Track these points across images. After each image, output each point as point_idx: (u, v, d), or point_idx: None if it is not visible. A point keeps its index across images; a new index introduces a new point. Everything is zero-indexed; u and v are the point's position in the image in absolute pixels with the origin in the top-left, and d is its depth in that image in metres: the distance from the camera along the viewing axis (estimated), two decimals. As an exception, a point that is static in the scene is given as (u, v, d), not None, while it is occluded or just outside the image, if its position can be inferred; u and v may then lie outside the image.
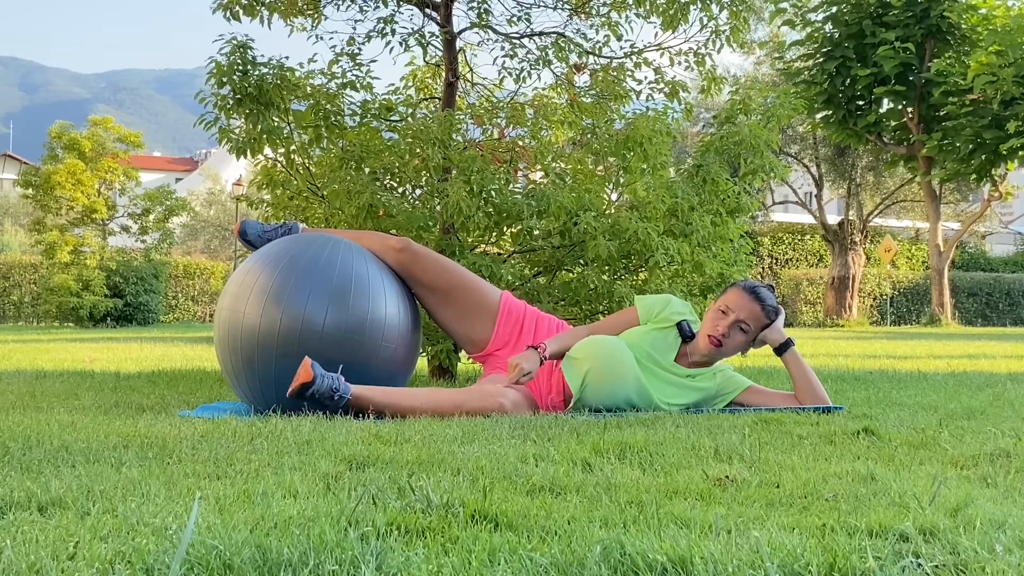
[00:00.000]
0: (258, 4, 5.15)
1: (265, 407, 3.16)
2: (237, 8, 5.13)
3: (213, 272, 24.44)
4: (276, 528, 1.45)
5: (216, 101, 4.82)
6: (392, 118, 5.12)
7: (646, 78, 5.43)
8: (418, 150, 4.63)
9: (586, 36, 5.58)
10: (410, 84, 5.81)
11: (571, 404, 3.32)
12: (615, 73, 5.31)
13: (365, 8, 5.45)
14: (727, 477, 1.94)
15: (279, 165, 5.10)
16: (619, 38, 5.47)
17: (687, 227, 4.69)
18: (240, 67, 4.78)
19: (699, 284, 4.90)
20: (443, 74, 5.41)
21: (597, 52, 5.54)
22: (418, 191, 4.99)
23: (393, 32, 5.25)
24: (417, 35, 5.30)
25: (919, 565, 1.31)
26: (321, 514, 1.53)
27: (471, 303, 3.57)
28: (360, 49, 5.25)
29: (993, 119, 18.35)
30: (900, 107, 20.61)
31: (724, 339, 3.38)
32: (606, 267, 4.74)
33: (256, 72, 4.80)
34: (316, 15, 5.43)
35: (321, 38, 5.44)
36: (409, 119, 5.08)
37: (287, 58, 4.91)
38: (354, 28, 5.41)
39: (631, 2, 5.38)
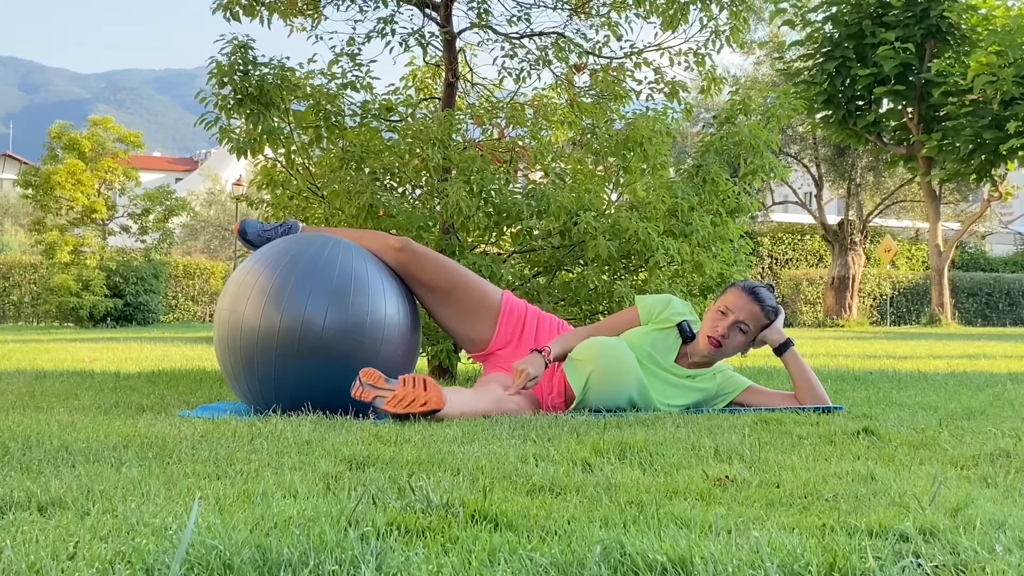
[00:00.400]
0: (258, 4, 5.15)
1: (264, 408, 3.16)
2: (237, 8, 5.13)
3: (213, 272, 24.45)
4: (276, 528, 1.45)
5: (217, 101, 4.82)
6: (392, 118, 5.12)
7: (646, 78, 5.44)
8: (418, 150, 4.63)
9: (586, 36, 5.59)
10: (410, 84, 5.81)
11: (573, 405, 3.32)
12: (615, 73, 5.31)
13: (365, 8, 5.45)
14: (727, 477, 1.94)
15: (279, 165, 5.10)
16: (619, 38, 5.47)
17: (687, 227, 4.69)
18: (241, 67, 4.79)
19: (699, 284, 4.90)
20: (443, 74, 5.41)
21: (597, 52, 5.54)
22: (418, 191, 4.99)
23: (393, 32, 5.25)
24: (417, 35, 5.30)
25: (919, 565, 1.31)
26: (321, 514, 1.53)
27: (472, 303, 3.57)
28: (360, 49, 5.26)
29: (993, 119, 18.35)
30: (900, 107, 20.61)
31: (724, 340, 3.38)
32: (606, 267, 4.74)
33: (257, 72, 4.81)
34: (316, 15, 5.43)
35: (321, 38, 5.45)
36: (409, 119, 5.08)
37: (287, 58, 4.92)
38: (354, 28, 5.42)
39: (631, 2, 5.38)
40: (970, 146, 19.10)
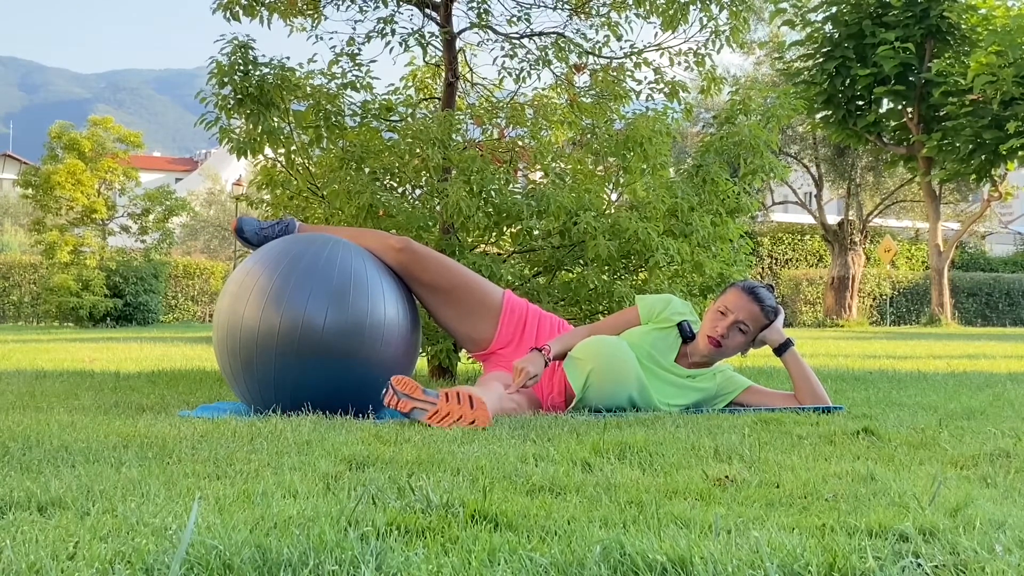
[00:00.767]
0: (258, 4, 5.15)
1: (264, 408, 3.16)
2: (237, 8, 5.13)
3: (213, 272, 24.45)
4: (276, 528, 1.45)
5: (217, 101, 4.82)
6: (392, 118, 5.12)
7: (646, 78, 5.44)
8: (418, 150, 4.63)
9: (586, 36, 5.58)
10: (410, 84, 5.81)
11: (572, 404, 3.32)
12: (615, 73, 5.31)
13: (365, 8, 5.45)
14: (727, 477, 1.94)
15: (279, 165, 5.10)
16: (619, 38, 5.47)
17: (687, 227, 4.69)
18: (241, 67, 4.79)
19: (699, 284, 4.90)
20: (443, 74, 5.41)
21: (597, 52, 5.54)
22: (418, 191, 4.99)
23: (393, 32, 5.25)
24: (417, 35, 5.30)
25: (919, 565, 1.31)
26: (321, 514, 1.53)
27: (473, 302, 3.57)
28: (360, 49, 5.26)
29: (993, 119, 18.35)
30: (900, 107, 20.61)
31: (723, 340, 3.38)
32: (606, 267, 4.74)
33: (257, 72, 4.81)
34: (316, 15, 5.43)
35: (321, 38, 5.45)
36: (409, 119, 5.08)
37: (287, 58, 4.92)
38: (354, 28, 5.42)
39: (631, 2, 5.38)
40: (970, 146, 19.10)
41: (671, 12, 5.23)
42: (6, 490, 1.71)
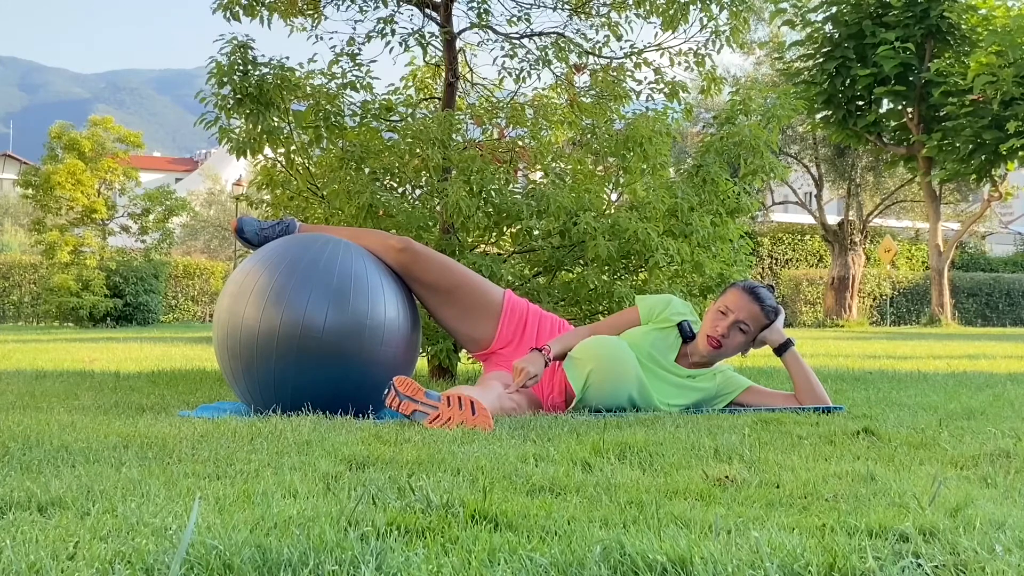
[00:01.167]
0: (258, 4, 5.15)
1: (264, 408, 3.16)
2: (237, 8, 5.13)
3: (213, 272, 24.44)
4: (276, 528, 1.45)
5: (216, 101, 4.82)
6: (392, 118, 5.12)
7: (646, 78, 5.44)
8: (418, 150, 4.63)
9: (586, 36, 5.59)
10: (410, 84, 5.81)
11: (572, 404, 3.32)
12: (615, 73, 5.31)
13: (365, 8, 5.45)
14: (727, 477, 1.94)
15: (279, 165, 5.10)
16: (619, 38, 5.47)
17: (687, 227, 4.69)
18: (241, 67, 4.79)
19: (699, 284, 4.90)
20: (443, 74, 5.41)
21: (597, 52, 5.54)
22: (418, 191, 4.99)
23: (393, 32, 5.25)
24: (417, 35, 5.30)
25: (919, 565, 1.31)
26: (321, 514, 1.53)
27: (473, 302, 3.57)
28: (360, 49, 5.26)
29: (993, 119, 18.35)
30: (900, 107, 20.61)
31: (723, 340, 3.38)
32: (606, 267, 4.74)
33: (257, 72, 4.81)
34: (316, 15, 5.43)
35: (321, 38, 5.45)
36: (409, 119, 5.08)
37: (287, 58, 4.91)
38: (354, 28, 5.42)
39: (631, 2, 5.38)
40: (970, 146, 19.10)
41: (671, 12, 5.23)
42: (6, 490, 1.71)
